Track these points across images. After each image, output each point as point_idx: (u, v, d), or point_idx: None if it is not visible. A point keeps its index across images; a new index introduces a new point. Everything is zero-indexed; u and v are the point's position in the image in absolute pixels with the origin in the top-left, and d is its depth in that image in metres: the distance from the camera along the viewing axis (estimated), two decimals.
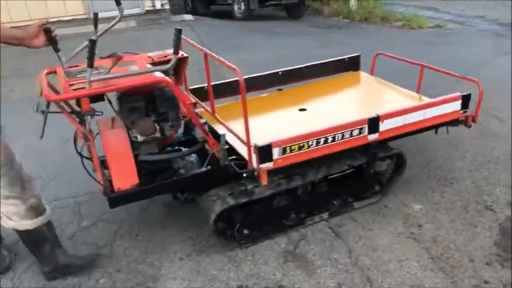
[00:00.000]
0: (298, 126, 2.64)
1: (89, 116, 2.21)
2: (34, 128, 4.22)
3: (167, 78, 2.23)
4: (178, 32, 2.10)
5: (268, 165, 2.39)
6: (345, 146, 2.58)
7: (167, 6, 10.22)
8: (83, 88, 2.09)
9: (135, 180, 2.34)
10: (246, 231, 2.66)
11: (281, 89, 3.49)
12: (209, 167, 2.53)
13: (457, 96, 2.87)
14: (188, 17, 9.85)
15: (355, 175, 2.87)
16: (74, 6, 9.20)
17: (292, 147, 2.43)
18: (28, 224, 2.29)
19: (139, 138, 2.40)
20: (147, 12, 10.04)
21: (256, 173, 2.43)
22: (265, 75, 3.51)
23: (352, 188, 2.93)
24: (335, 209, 2.87)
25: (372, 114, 2.62)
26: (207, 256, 2.55)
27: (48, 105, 2.16)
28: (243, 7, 9.59)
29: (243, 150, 2.48)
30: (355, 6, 9.27)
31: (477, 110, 2.91)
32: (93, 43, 1.97)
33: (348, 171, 2.79)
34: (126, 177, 2.35)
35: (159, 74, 2.28)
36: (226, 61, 2.34)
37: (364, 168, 2.85)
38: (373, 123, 2.62)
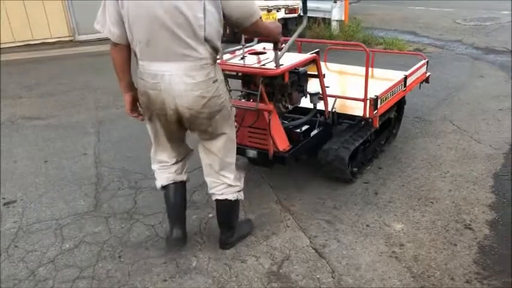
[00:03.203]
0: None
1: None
2: (13, 151, 4.21)
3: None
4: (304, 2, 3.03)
5: (376, 112, 3.32)
6: (398, 97, 3.73)
7: None
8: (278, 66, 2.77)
9: (288, 143, 3.10)
10: (354, 169, 3.52)
11: None
12: (319, 128, 3.40)
13: (425, 62, 4.20)
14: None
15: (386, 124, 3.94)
16: (58, 29, 9.21)
17: (384, 98, 3.41)
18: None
19: (290, 107, 3.10)
20: None
21: (370, 119, 3.36)
22: None
23: (385, 133, 4.08)
24: (380, 150, 3.98)
25: (401, 75, 3.77)
26: (190, 278, 2.53)
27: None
28: (227, 30, 9.71)
29: (348, 107, 3.48)
30: (337, 31, 9.45)
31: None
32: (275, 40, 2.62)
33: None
34: (283, 141, 3.07)
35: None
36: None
37: (391, 116, 3.99)
38: (405, 80, 3.74)
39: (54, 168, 3.90)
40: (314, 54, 3.19)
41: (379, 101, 3.33)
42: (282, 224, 3.01)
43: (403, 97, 4.02)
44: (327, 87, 3.75)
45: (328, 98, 3.35)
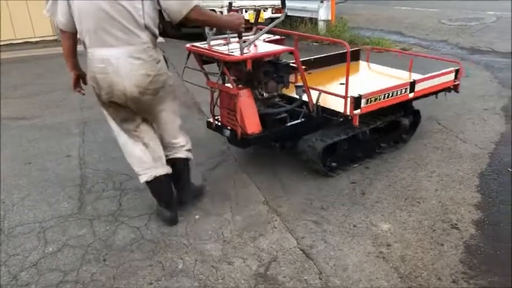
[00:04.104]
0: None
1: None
2: None
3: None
4: None
5: (358, 111, 3.33)
6: (398, 100, 3.65)
7: None
8: (247, 53, 2.99)
9: (259, 127, 3.25)
10: (333, 164, 3.61)
11: (310, 72, 3.98)
12: (303, 119, 3.48)
13: (452, 70, 4.10)
14: (158, 39, 9.84)
15: (392, 127, 3.98)
16: (42, 28, 9.07)
17: (372, 99, 3.41)
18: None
19: (265, 95, 3.28)
20: None
21: (350, 117, 3.33)
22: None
23: (390, 136, 4.05)
24: (379, 153, 3.97)
25: (409, 79, 3.78)
26: (176, 281, 2.50)
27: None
28: (214, 29, 9.64)
29: (334, 103, 3.46)
30: (324, 30, 9.47)
31: (459, 78, 4.19)
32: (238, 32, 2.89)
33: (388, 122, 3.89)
34: (254, 124, 3.21)
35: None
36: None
37: (399, 120, 3.96)
38: (412, 85, 3.71)
39: (38, 169, 3.83)
40: (292, 48, 3.23)
41: (363, 100, 3.33)
42: (269, 225, 2.99)
43: (410, 102, 3.94)
44: (341, 84, 3.85)
45: (314, 92, 3.43)
